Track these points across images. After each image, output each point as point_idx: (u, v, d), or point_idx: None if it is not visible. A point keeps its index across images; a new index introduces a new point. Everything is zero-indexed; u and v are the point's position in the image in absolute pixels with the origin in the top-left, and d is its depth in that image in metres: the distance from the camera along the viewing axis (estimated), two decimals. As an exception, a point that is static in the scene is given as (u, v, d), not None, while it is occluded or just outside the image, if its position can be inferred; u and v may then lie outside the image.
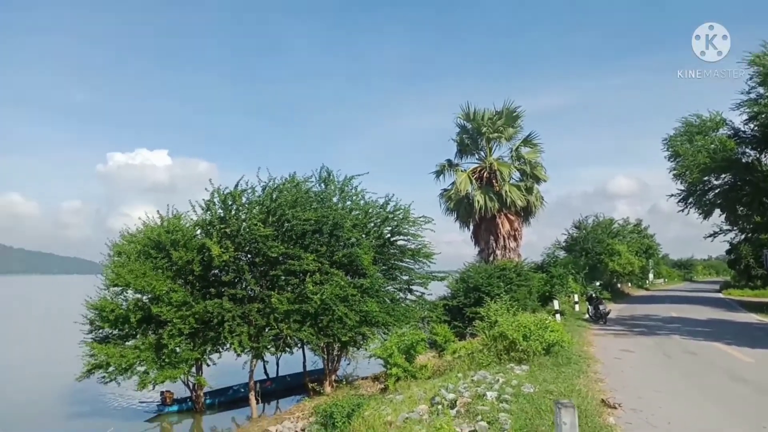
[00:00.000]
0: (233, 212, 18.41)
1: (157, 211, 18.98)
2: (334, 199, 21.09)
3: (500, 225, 34.19)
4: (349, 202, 21.44)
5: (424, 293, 22.83)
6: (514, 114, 34.81)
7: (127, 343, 17.57)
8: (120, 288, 17.69)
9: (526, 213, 36.00)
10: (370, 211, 21.26)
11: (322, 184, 21.36)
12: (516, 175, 35.42)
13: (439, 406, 10.22)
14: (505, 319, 15.81)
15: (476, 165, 35.95)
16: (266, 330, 17.98)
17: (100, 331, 17.91)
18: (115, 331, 17.86)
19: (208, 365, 18.97)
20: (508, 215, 34.48)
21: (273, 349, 18.80)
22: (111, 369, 16.85)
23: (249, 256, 18.53)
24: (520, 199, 34.06)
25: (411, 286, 22.34)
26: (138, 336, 17.59)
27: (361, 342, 20.18)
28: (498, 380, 11.35)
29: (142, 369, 17.02)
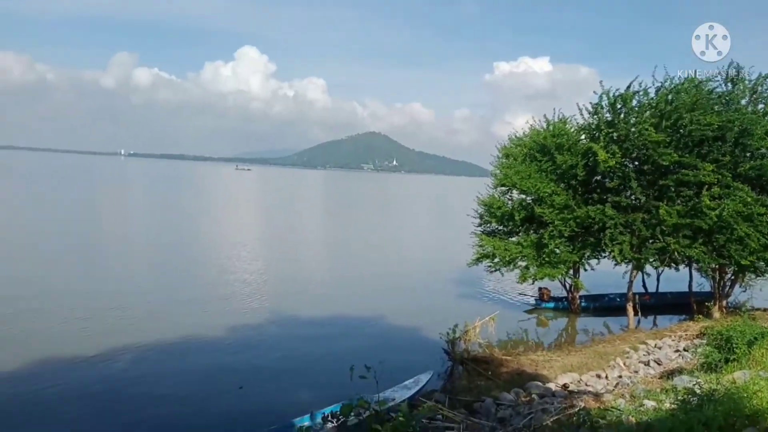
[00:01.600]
0: (622, 116, 17.42)
1: (544, 115, 19.38)
2: (743, 101, 17.92)
3: None
4: (762, 105, 17.95)
5: None
6: None
7: (510, 239, 19.11)
8: (506, 188, 19.15)
9: None
10: (791, 115, 17.51)
11: (729, 84, 18.26)
12: None
13: None
14: None
15: None
16: (650, 242, 17.08)
17: (488, 225, 19.86)
18: (501, 227, 19.57)
19: (585, 270, 19.30)
20: None
21: (656, 263, 17.86)
22: (496, 260, 18.73)
23: (636, 163, 17.55)
24: None
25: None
26: (521, 233, 18.92)
27: (764, 269, 17.56)
28: None
29: (524, 264, 18.41)
